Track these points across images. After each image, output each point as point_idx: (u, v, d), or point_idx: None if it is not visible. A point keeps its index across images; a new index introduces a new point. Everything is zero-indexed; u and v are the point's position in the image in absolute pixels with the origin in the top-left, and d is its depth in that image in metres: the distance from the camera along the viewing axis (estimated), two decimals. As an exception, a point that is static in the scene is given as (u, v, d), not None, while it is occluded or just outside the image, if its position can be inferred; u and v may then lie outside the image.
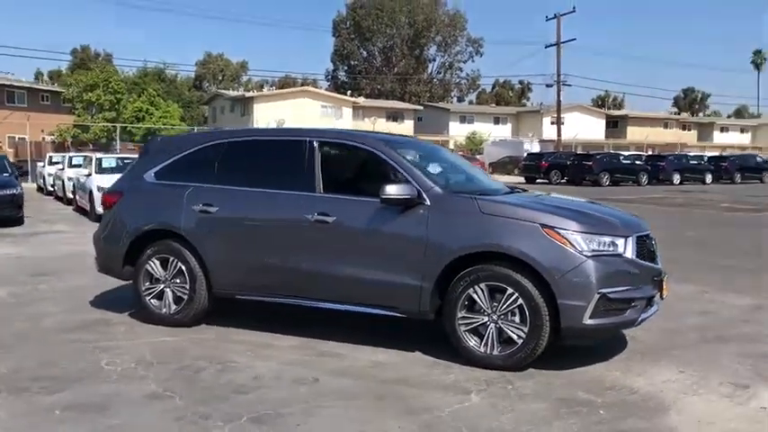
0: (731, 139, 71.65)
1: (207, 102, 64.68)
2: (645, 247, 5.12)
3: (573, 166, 34.66)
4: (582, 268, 4.67)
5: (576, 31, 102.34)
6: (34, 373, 4.75)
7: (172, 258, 5.94)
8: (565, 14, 44.78)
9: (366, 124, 53.17)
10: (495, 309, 4.85)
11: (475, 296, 4.90)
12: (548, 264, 4.68)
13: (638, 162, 36.84)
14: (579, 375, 4.81)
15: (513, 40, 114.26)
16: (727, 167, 38.54)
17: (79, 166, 19.29)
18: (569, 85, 51.17)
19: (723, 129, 75.72)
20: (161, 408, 4.13)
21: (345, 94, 58.11)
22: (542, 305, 4.71)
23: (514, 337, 4.80)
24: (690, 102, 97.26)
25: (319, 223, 5.38)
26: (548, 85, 47.89)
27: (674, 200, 23.66)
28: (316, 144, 5.65)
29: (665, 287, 5.22)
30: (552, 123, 61.25)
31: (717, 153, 48.06)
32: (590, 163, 33.99)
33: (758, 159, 42.45)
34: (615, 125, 66.58)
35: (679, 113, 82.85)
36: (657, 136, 62.90)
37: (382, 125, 53.76)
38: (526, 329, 4.75)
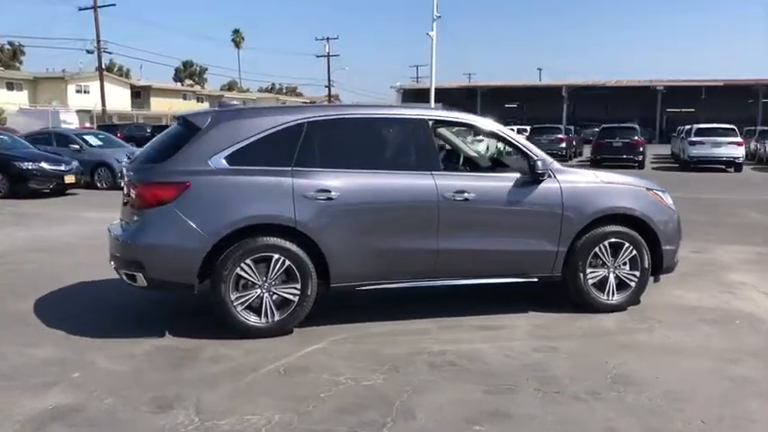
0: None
1: None
2: None
3: None
4: (674, 220, 6.05)
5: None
6: (319, 417, 3.79)
7: (276, 257, 5.02)
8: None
9: None
10: (613, 262, 5.83)
11: (600, 253, 5.78)
12: (656, 219, 5.88)
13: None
14: (658, 303, 6.09)
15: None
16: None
17: None
18: (110, 53, 48.76)
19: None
20: (478, 395, 4.01)
21: None
22: (648, 253, 5.90)
23: (628, 281, 5.88)
24: (190, 74, 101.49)
25: (457, 201, 5.40)
26: (88, 51, 44.85)
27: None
28: (431, 123, 5.54)
29: None
30: (78, 92, 57.32)
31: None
32: None
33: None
34: (138, 95, 65.73)
35: (185, 85, 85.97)
36: (179, 107, 64.63)
37: None
38: (638, 274, 5.87)
